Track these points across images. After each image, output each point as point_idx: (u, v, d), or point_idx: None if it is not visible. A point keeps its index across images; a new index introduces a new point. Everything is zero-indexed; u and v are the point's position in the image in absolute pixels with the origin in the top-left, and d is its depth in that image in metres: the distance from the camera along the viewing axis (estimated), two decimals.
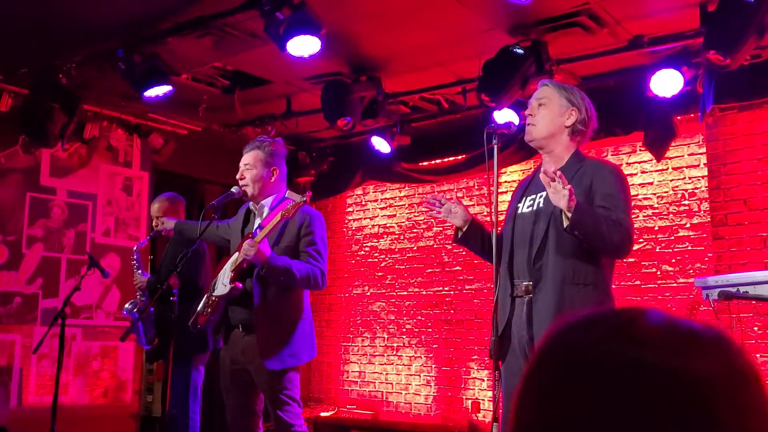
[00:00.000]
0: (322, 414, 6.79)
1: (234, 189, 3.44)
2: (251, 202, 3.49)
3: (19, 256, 5.47)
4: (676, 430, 0.56)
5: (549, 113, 2.73)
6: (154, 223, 4.52)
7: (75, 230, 5.80)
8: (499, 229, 2.74)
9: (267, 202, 3.43)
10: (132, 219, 6.14)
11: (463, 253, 6.09)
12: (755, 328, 4.68)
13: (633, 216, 4.69)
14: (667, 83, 4.49)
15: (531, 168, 2.94)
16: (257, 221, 3.43)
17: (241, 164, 3.45)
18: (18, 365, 5.36)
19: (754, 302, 3.82)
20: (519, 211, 2.76)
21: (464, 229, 2.84)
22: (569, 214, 2.38)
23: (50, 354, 5.01)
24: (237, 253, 3.25)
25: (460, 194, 6.52)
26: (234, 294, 3.27)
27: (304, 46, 4.01)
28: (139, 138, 6.16)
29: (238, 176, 3.44)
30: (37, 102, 5.08)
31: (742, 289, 2.55)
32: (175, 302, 4.26)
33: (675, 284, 5.26)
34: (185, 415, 4.38)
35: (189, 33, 4.40)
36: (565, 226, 2.43)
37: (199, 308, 3.46)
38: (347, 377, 6.99)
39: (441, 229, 6.46)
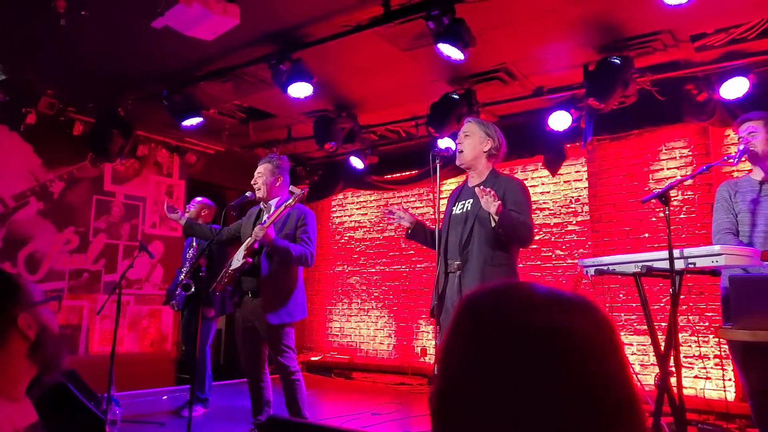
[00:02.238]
0: (312, 358, 6.77)
1: (248, 193, 3.37)
2: (262, 203, 3.39)
3: (87, 242, 5.34)
4: (559, 374, 0.53)
5: (472, 142, 2.72)
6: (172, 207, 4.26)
7: (129, 223, 5.67)
8: (441, 224, 2.76)
9: (273, 202, 3.36)
10: None
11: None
12: (620, 295, 4.78)
13: (534, 215, 4.76)
14: (560, 121, 4.54)
15: (463, 180, 2.96)
16: (265, 216, 3.40)
17: (256, 173, 3.35)
18: (86, 324, 5.24)
19: (619, 276, 3.91)
20: (453, 212, 2.74)
21: (411, 228, 2.85)
22: (496, 218, 2.41)
23: (110, 315, 4.91)
24: (250, 238, 3.21)
25: (413, 198, 6.55)
26: (245, 267, 3.18)
27: (300, 89, 3.98)
28: (178, 156, 6.06)
29: (252, 182, 3.34)
30: (101, 128, 4.98)
31: (611, 267, 2.59)
32: (203, 277, 4.21)
33: (565, 264, 5.33)
34: (204, 358, 4.36)
35: (215, 79, 4.33)
36: (493, 225, 2.44)
37: (218, 279, 3.41)
38: (331, 331, 6.97)
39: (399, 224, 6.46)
